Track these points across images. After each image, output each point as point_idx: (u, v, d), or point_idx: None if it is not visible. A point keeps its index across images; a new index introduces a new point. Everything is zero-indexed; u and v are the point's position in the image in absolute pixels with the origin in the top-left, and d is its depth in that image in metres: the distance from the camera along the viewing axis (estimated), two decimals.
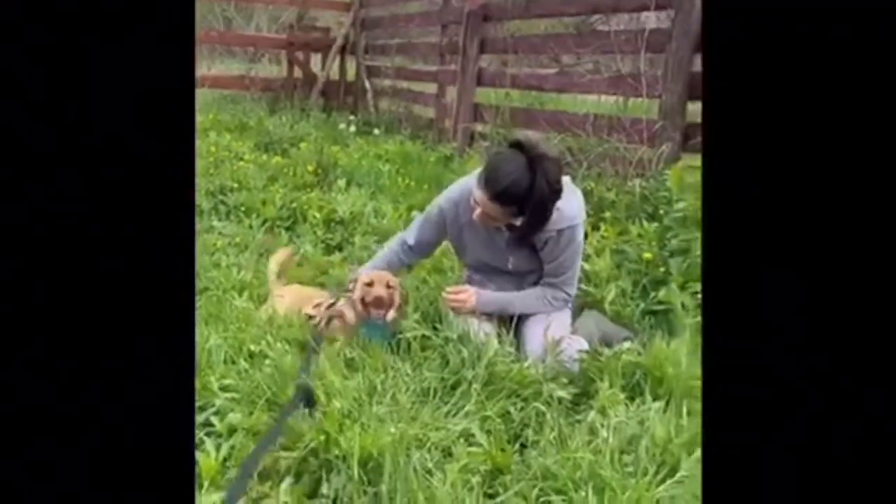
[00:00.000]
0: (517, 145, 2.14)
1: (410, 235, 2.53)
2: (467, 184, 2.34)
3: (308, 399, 1.76)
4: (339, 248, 3.58)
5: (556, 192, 2.09)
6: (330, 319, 2.32)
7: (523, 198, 2.06)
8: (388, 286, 2.31)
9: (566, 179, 2.30)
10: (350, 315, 2.32)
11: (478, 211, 2.17)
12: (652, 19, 4.12)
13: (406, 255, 2.55)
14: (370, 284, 2.30)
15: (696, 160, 3.64)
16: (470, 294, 2.31)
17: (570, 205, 2.22)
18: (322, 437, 1.60)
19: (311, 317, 2.37)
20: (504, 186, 2.06)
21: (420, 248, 2.55)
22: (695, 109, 3.82)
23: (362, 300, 2.29)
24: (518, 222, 2.17)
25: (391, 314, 2.31)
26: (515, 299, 2.35)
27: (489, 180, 2.09)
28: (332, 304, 2.37)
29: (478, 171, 2.26)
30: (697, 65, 3.72)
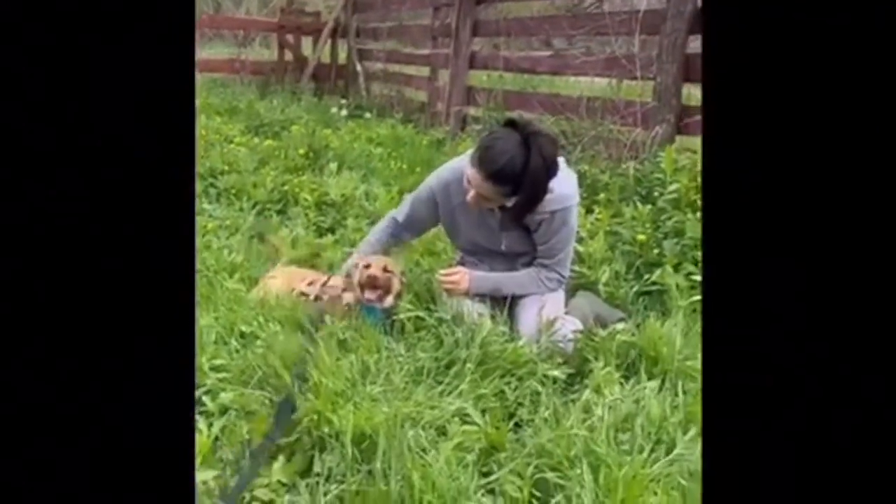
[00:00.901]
0: (511, 124, 2.12)
1: (400, 213, 2.52)
2: (459, 165, 2.31)
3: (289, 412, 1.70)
4: (331, 230, 3.56)
5: (552, 169, 2.06)
6: (334, 295, 2.31)
7: (518, 176, 2.03)
8: (385, 270, 2.29)
9: (560, 161, 2.28)
10: (348, 297, 2.30)
11: (471, 193, 2.15)
12: (645, 0, 4.09)
13: (396, 231, 2.53)
14: (367, 267, 2.28)
15: (691, 142, 3.64)
16: (463, 275, 2.30)
17: (564, 186, 2.20)
18: (314, 416, 1.59)
19: (304, 294, 2.35)
20: (500, 165, 2.03)
21: (410, 227, 2.53)
22: (689, 91, 3.80)
23: (359, 282, 2.28)
24: (511, 203, 2.15)
25: (388, 300, 2.29)
26: (508, 280, 2.34)
27: (483, 159, 2.07)
28: (325, 283, 2.35)
29: (469, 152, 2.23)
30: (692, 46, 3.70)
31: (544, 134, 2.08)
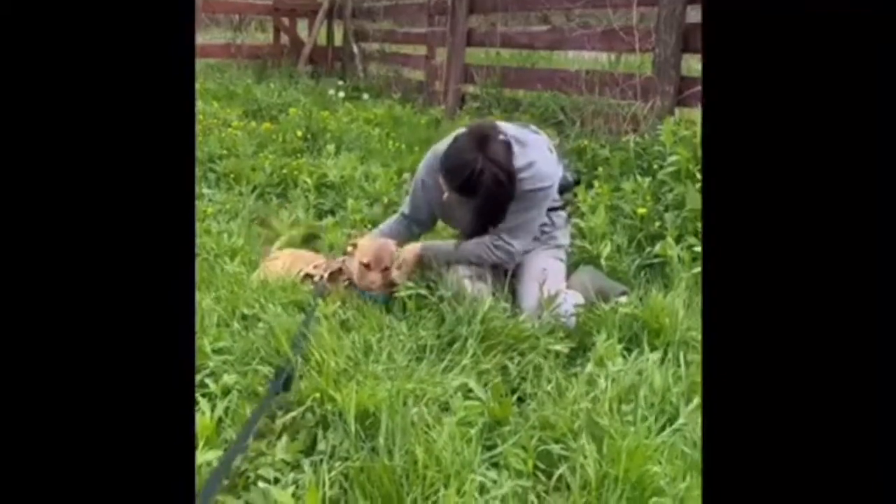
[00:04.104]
0: (472, 134, 2.13)
1: (406, 207, 2.51)
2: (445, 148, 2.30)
3: (286, 381, 1.72)
4: (332, 212, 3.55)
5: (507, 193, 2.10)
6: (333, 275, 2.30)
7: (480, 191, 2.06)
8: (384, 269, 2.27)
9: (542, 138, 2.28)
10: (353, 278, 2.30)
11: (446, 195, 2.18)
12: None
13: (407, 226, 2.51)
14: (367, 266, 2.26)
15: (691, 113, 3.61)
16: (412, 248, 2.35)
17: (544, 166, 2.18)
18: (318, 394, 1.59)
19: (308, 276, 2.34)
20: (462, 180, 2.07)
21: (417, 220, 2.51)
22: (688, 63, 3.77)
23: (360, 285, 2.28)
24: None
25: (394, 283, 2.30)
26: (461, 249, 2.32)
27: (447, 173, 2.12)
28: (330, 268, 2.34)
29: (455, 134, 2.22)
30: (690, 17, 3.66)
31: (498, 158, 2.07)
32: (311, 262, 2.46)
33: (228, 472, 1.40)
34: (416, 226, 2.52)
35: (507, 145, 2.12)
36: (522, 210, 2.21)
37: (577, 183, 2.71)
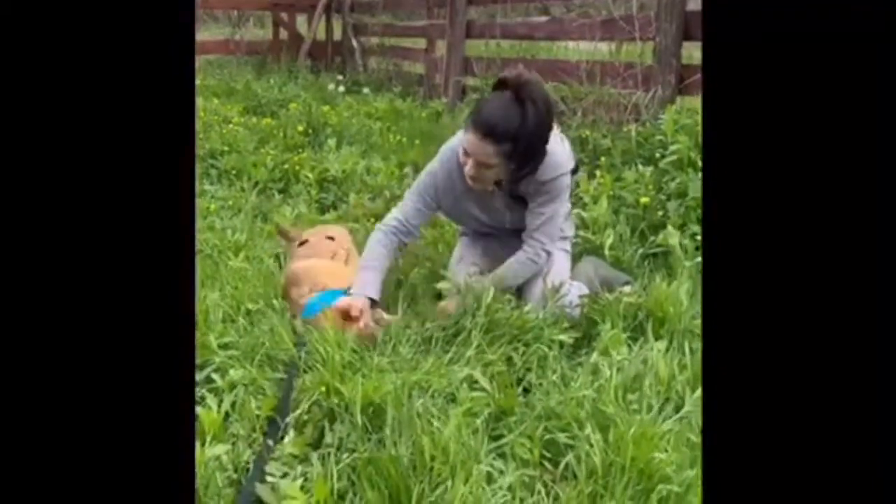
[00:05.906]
0: (501, 85, 2.06)
1: (405, 210, 2.29)
2: (457, 147, 2.25)
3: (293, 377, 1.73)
4: (334, 206, 3.55)
5: (548, 123, 2.03)
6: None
7: (516, 131, 1.98)
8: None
9: (554, 129, 2.25)
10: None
11: (469, 164, 2.06)
12: None
13: (405, 230, 2.28)
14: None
15: (693, 102, 3.60)
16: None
17: (557, 153, 2.16)
18: (323, 388, 1.60)
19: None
20: (495, 121, 1.97)
21: (418, 216, 2.31)
22: (688, 51, 3.76)
23: None
24: (511, 167, 2.10)
25: None
26: (505, 275, 2.22)
27: (477, 120, 2.01)
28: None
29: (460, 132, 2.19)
30: (691, 4, 3.65)
31: (533, 82, 2.02)
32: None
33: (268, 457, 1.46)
34: (416, 230, 2.32)
35: (542, 86, 2.07)
36: (548, 201, 2.18)
37: (576, 170, 2.70)
